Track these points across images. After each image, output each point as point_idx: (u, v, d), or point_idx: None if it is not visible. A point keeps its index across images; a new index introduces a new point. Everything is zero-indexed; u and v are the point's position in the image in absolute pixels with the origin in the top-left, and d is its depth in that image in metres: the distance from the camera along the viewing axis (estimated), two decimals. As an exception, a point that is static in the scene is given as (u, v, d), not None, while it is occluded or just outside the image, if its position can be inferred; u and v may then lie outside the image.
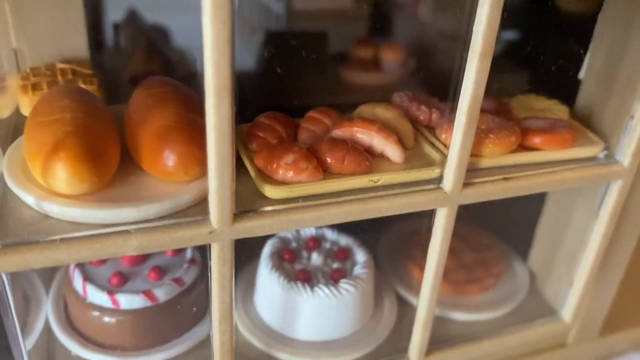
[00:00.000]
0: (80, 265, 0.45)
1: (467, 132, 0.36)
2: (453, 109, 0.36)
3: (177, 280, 0.45)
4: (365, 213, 0.36)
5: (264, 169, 0.36)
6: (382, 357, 0.46)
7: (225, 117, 0.29)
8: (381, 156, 0.39)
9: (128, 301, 0.43)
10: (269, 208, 0.35)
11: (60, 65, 0.44)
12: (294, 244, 0.50)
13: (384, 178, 0.37)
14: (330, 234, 0.51)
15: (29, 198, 0.32)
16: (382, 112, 0.41)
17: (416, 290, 0.49)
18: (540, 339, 0.52)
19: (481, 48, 0.33)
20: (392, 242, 0.56)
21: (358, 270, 0.47)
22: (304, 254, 0.49)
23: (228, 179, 0.31)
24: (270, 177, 0.36)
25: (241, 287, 0.50)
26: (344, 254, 0.49)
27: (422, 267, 0.51)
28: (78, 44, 0.45)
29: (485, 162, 0.40)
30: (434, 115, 0.42)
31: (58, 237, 0.31)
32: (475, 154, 0.39)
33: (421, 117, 0.42)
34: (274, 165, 0.35)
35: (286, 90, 0.51)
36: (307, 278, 0.46)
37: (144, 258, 0.47)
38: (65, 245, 0.31)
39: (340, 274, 0.46)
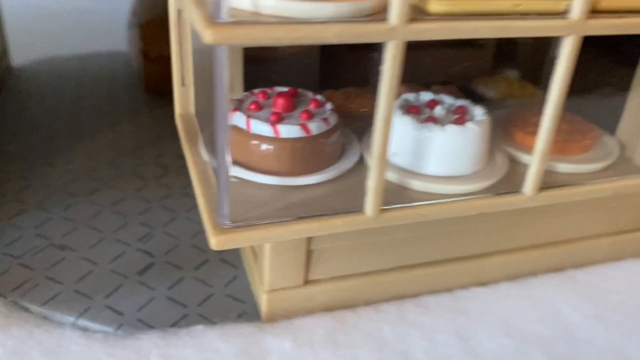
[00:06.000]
0: (240, 110, 0.53)
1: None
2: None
3: (325, 120, 0.52)
4: (507, 31, 0.44)
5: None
6: (500, 191, 0.53)
7: None
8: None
9: (287, 131, 0.50)
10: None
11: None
12: (417, 104, 0.57)
13: (523, 4, 0.44)
14: (447, 98, 0.58)
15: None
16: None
17: (524, 149, 0.57)
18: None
19: None
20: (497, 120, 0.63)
21: (479, 117, 0.54)
22: (427, 111, 0.56)
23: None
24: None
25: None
26: (463, 110, 0.56)
27: (527, 133, 0.58)
28: None
29: (603, 3, 0.47)
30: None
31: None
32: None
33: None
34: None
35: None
36: (435, 121, 0.53)
37: (294, 105, 0.54)
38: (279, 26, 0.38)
39: (463, 120, 0.53)
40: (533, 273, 0.65)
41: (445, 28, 0.42)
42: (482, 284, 0.64)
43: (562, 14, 0.45)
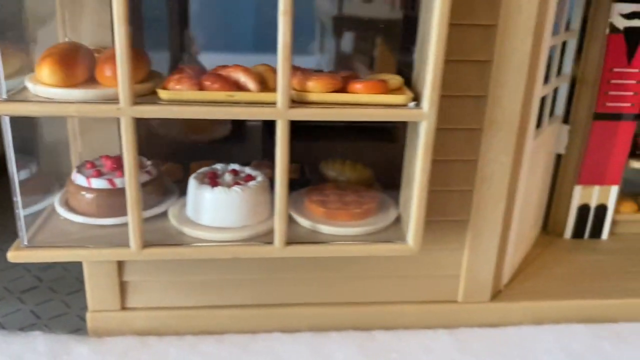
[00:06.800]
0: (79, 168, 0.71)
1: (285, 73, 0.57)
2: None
3: (132, 178, 0.69)
4: (221, 114, 0.58)
5: (166, 85, 0.60)
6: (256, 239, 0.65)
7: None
8: (245, 87, 0.61)
9: (97, 183, 0.67)
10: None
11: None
12: (220, 172, 0.71)
13: (237, 96, 0.59)
14: (247, 169, 0.72)
15: (29, 85, 0.59)
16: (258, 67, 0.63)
17: (305, 214, 0.69)
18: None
19: (283, 7, 0.55)
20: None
21: (251, 183, 0.67)
22: (226, 176, 0.70)
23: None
24: (166, 88, 0.59)
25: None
26: (249, 177, 0.69)
27: (311, 201, 0.70)
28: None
29: (311, 96, 0.60)
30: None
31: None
32: (302, 90, 0.60)
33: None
34: (169, 81, 0.59)
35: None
36: (217, 184, 0.67)
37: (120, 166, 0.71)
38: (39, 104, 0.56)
39: (237, 184, 0.67)
40: (337, 328, 0.74)
41: (166, 110, 0.57)
42: (285, 331, 0.74)
43: (273, 104, 0.59)
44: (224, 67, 0.63)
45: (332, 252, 0.65)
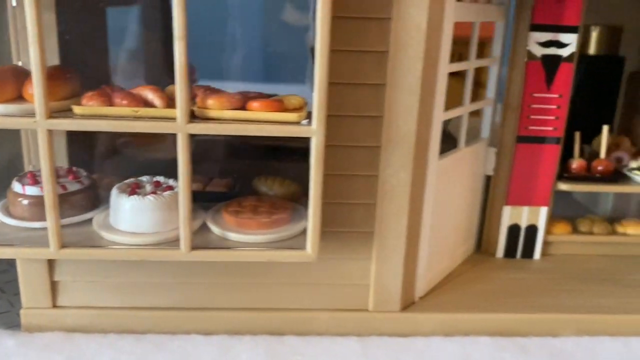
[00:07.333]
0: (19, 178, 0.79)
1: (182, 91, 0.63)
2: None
3: (62, 186, 0.76)
4: (126, 127, 0.65)
5: (81, 102, 0.67)
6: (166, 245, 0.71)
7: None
8: (152, 104, 0.67)
9: (31, 190, 0.75)
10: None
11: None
12: (142, 183, 0.78)
13: (141, 111, 0.66)
14: (171, 182, 0.78)
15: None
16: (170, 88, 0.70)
17: (220, 224, 0.75)
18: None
19: (178, 33, 0.62)
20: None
21: (166, 193, 0.74)
22: (144, 185, 0.77)
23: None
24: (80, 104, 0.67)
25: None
26: (170, 188, 0.76)
27: (226, 211, 0.76)
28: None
29: (211, 113, 0.66)
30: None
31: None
32: (201, 106, 0.66)
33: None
34: (84, 98, 0.66)
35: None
36: (133, 192, 0.74)
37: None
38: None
39: (155, 194, 0.74)
40: (252, 332, 0.79)
41: (77, 124, 0.65)
42: (203, 333, 0.79)
43: (173, 119, 0.65)
44: (139, 87, 0.70)
45: (235, 257, 0.71)
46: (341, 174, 0.74)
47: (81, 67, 0.79)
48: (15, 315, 0.81)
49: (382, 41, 0.70)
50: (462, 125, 0.86)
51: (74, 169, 0.82)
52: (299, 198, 0.85)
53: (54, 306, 0.78)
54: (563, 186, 0.95)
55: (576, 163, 0.97)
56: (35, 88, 0.62)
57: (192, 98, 0.68)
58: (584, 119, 1.01)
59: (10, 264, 0.93)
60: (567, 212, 1.06)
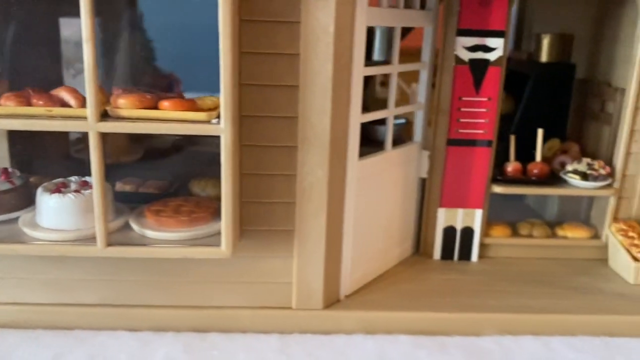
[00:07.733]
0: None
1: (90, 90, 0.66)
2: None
3: None
4: (40, 126, 0.67)
5: None
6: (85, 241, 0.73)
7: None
8: (68, 104, 0.70)
9: (-39, 189, 0.77)
10: None
11: None
12: (68, 183, 0.80)
13: (54, 110, 0.68)
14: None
15: None
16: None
17: (140, 222, 0.77)
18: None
19: (85, 35, 0.64)
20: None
21: (87, 191, 0.76)
22: (70, 184, 0.79)
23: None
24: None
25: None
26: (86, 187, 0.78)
27: (149, 210, 0.78)
28: None
29: (122, 112, 0.69)
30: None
31: None
32: (115, 106, 0.68)
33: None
34: (2, 99, 0.69)
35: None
36: (57, 191, 0.76)
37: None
38: None
39: (78, 192, 0.76)
40: (176, 329, 0.81)
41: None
42: (129, 330, 0.81)
43: (84, 118, 0.68)
44: (59, 88, 0.73)
45: (150, 254, 0.73)
46: (260, 173, 0.76)
47: (13, 71, 0.83)
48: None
49: (293, 44, 0.72)
50: (388, 128, 0.87)
51: (9, 169, 0.84)
52: (232, 199, 0.87)
53: (-13, 303, 0.81)
54: (497, 189, 0.97)
55: (511, 166, 0.99)
56: (-49, 88, 0.65)
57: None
58: (538, 124, 1.02)
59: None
60: (515, 216, 1.07)
